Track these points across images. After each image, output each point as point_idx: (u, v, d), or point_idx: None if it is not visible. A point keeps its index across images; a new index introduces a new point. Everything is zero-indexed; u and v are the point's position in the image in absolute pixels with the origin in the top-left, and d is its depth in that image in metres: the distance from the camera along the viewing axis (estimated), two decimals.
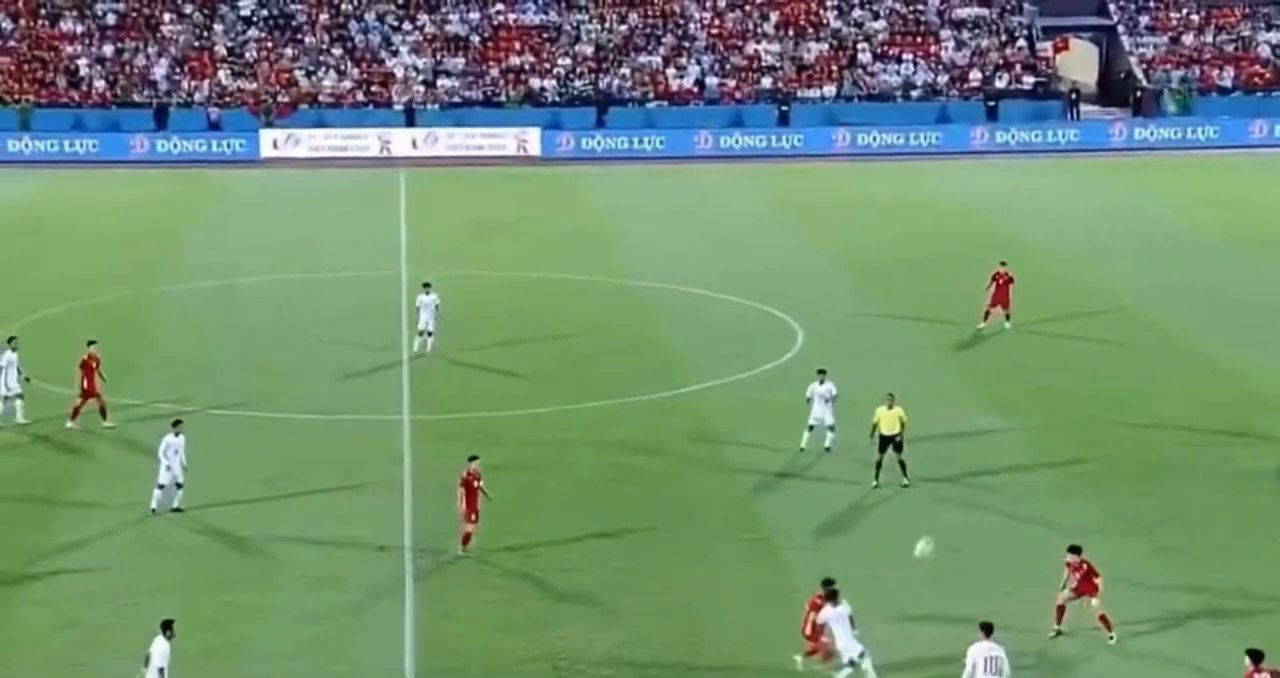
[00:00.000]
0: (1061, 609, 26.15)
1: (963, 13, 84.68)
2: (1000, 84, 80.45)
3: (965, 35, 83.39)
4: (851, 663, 24.46)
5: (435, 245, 56.62)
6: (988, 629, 23.59)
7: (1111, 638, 25.90)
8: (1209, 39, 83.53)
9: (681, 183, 69.70)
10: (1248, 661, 22.47)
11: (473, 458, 30.04)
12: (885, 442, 32.81)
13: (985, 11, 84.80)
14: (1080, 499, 32.07)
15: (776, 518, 31.61)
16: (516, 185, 69.38)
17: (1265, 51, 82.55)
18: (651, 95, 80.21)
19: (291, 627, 26.88)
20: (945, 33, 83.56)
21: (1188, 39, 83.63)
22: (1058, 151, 75.67)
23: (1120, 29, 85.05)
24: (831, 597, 24.79)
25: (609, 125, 78.05)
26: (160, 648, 23.40)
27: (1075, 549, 26.02)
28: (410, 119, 78.38)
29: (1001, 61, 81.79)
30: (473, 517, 29.54)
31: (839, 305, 47.76)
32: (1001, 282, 44.25)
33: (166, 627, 23.62)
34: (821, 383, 35.03)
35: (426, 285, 42.82)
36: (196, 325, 46.16)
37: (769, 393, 39.21)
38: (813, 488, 33.21)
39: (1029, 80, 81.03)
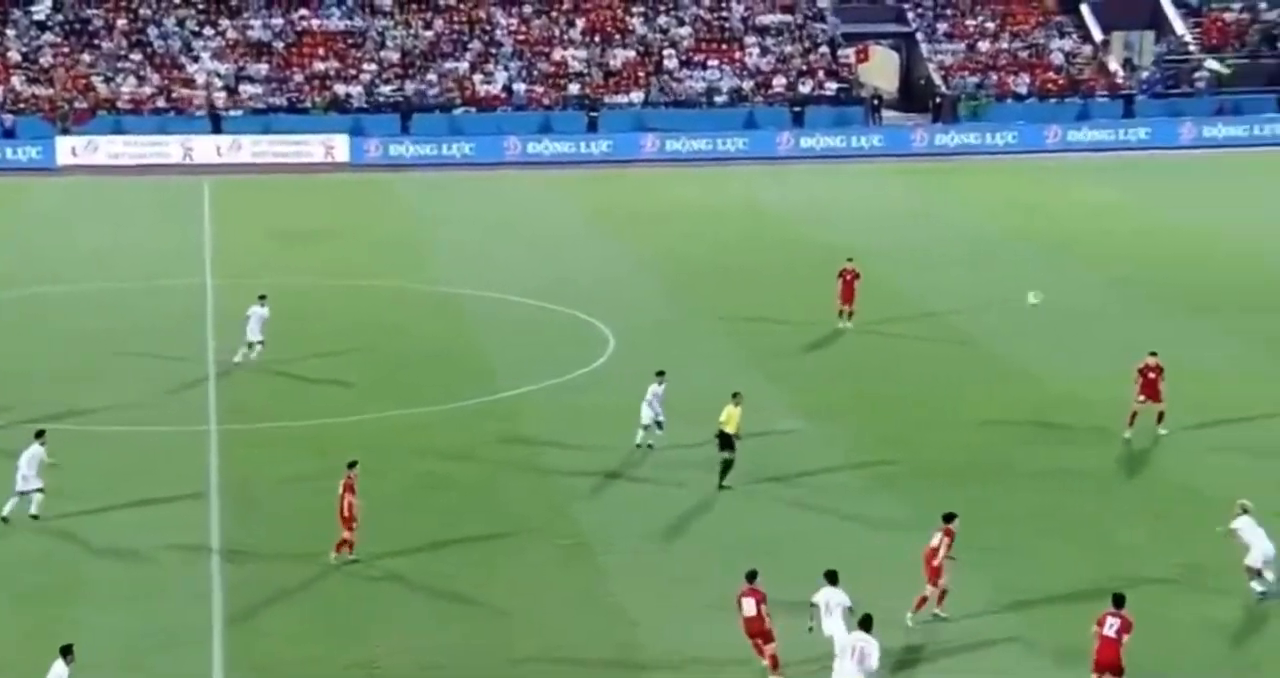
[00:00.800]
0: (923, 601, 26.95)
1: (766, 19, 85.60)
2: (804, 90, 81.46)
3: (769, 42, 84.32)
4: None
5: (242, 254, 55.81)
6: (864, 622, 23.94)
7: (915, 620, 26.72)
8: (1005, 46, 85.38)
9: (491, 189, 69.52)
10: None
11: (352, 464, 29.82)
12: (724, 440, 33.06)
13: (789, 18, 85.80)
14: (892, 499, 32.53)
15: (594, 522, 31.64)
16: (325, 192, 68.68)
17: (1058, 59, 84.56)
18: (459, 101, 79.93)
19: (99, 639, 26.30)
20: (750, 39, 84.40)
21: (984, 46, 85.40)
22: (861, 156, 76.81)
23: (919, 36, 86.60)
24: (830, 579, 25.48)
25: (416, 132, 77.62)
26: (59, 673, 23.05)
27: (948, 517, 26.93)
28: (215, 125, 77.22)
29: (805, 68, 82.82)
30: (350, 524, 29.29)
31: (651, 311, 47.98)
32: (848, 278, 45.03)
33: (66, 652, 23.16)
34: (660, 384, 35.29)
35: (262, 297, 42.22)
36: (0, 338, 45.11)
37: (582, 398, 39.31)
38: (630, 491, 33.30)
39: (832, 86, 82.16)
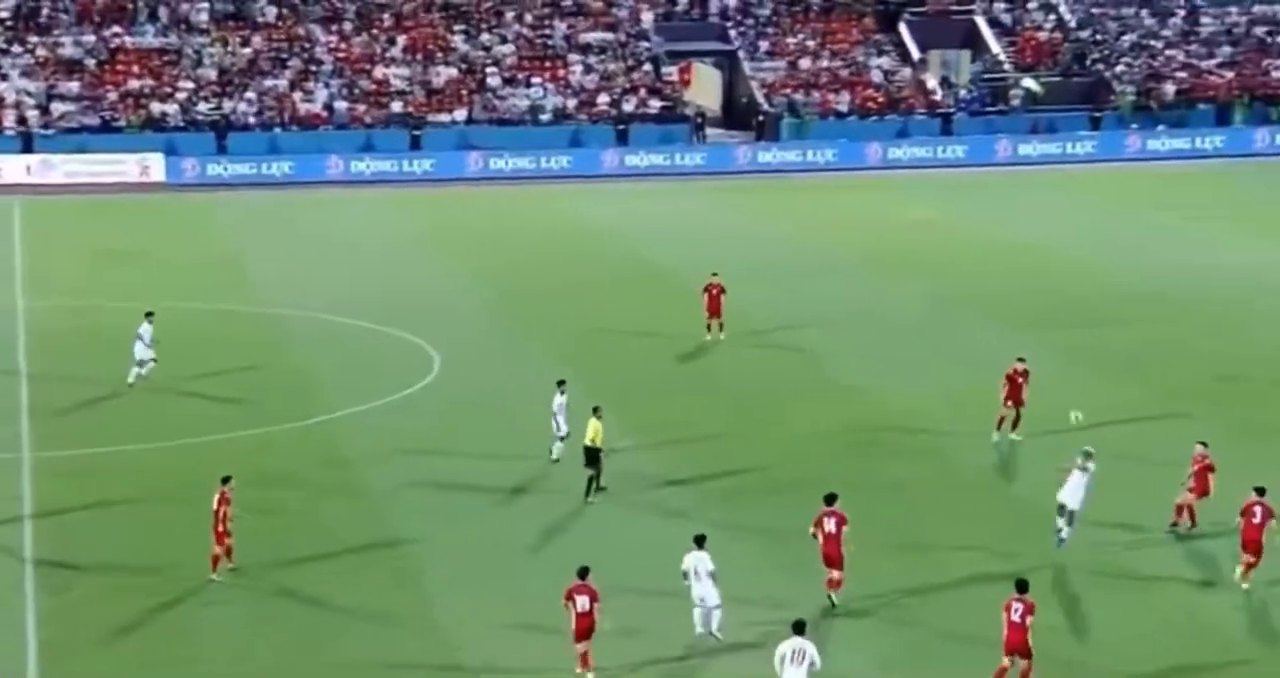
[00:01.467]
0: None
1: (589, 37, 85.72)
2: (629, 108, 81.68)
3: (593, 60, 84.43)
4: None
5: (56, 275, 54.56)
6: (798, 627, 24.29)
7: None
8: (825, 64, 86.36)
9: (313, 209, 68.74)
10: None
11: (225, 480, 29.62)
12: (590, 455, 33.25)
13: (611, 36, 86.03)
14: (718, 511, 32.55)
15: (420, 542, 31.30)
16: (141, 213, 67.43)
17: (877, 76, 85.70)
18: (278, 120, 78.96)
19: None
20: (573, 57, 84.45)
21: (805, 64, 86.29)
22: (686, 174, 77.15)
23: (741, 54, 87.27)
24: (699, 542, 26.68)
25: (234, 151, 76.51)
26: None
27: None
28: (26, 145, 75.42)
29: (629, 86, 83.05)
30: (223, 540, 29.16)
31: (477, 330, 47.70)
32: (714, 292, 45.37)
33: None
34: (561, 394, 35.28)
35: (149, 314, 41.69)
36: None
37: (406, 419, 38.96)
38: (458, 508, 32.98)
39: (656, 104, 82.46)
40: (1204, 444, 31.78)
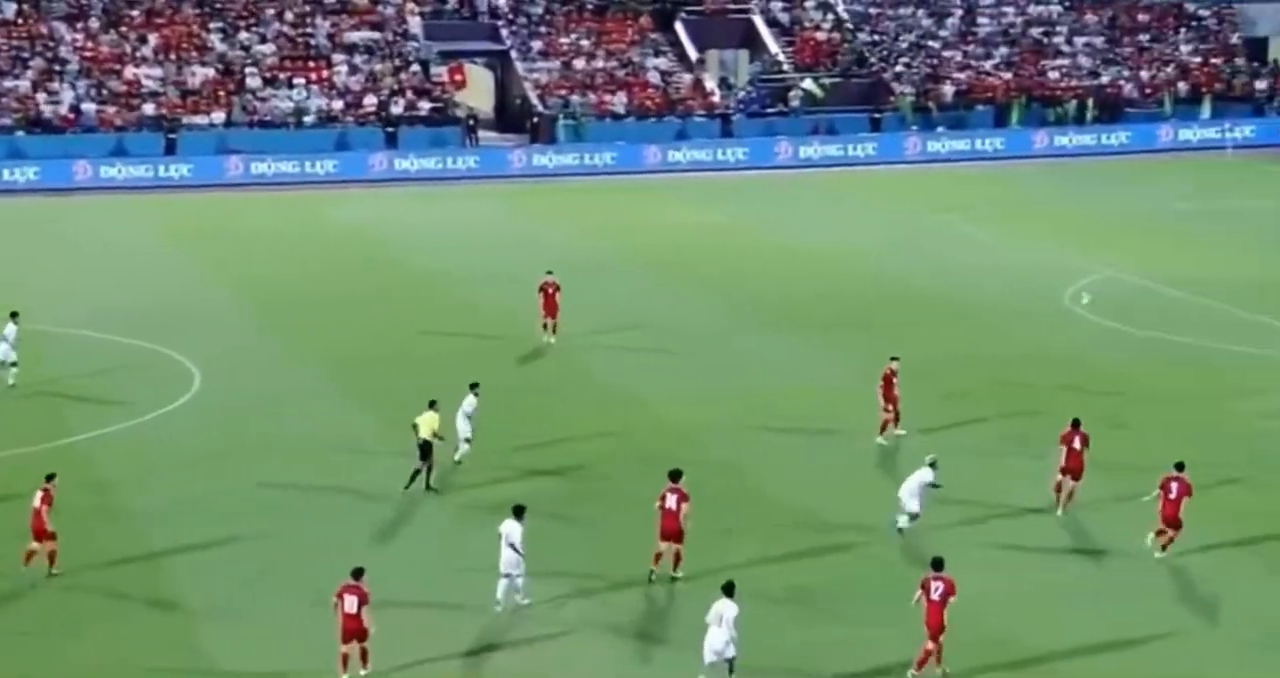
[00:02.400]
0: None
1: (354, 37, 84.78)
2: (397, 110, 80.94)
3: (358, 60, 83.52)
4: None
5: None
6: (727, 589, 25.90)
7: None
8: (601, 64, 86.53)
9: (61, 218, 66.88)
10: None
11: (49, 477, 30.29)
12: (424, 448, 33.94)
13: (377, 35, 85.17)
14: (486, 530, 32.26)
15: (177, 565, 30.50)
16: None
17: (655, 77, 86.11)
18: (22, 123, 76.70)
19: None
20: (338, 57, 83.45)
21: (580, 64, 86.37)
22: (458, 179, 76.66)
23: (514, 54, 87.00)
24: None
25: None
26: None
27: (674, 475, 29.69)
28: None
29: (397, 87, 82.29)
30: (42, 536, 29.66)
31: (239, 342, 46.73)
32: (550, 292, 45.55)
33: None
34: (475, 395, 35.48)
35: (14, 315, 41.84)
36: None
37: (163, 437, 38.02)
38: (215, 531, 32.18)
39: (426, 106, 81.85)
40: (1075, 425, 32.81)
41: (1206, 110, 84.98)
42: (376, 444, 37.32)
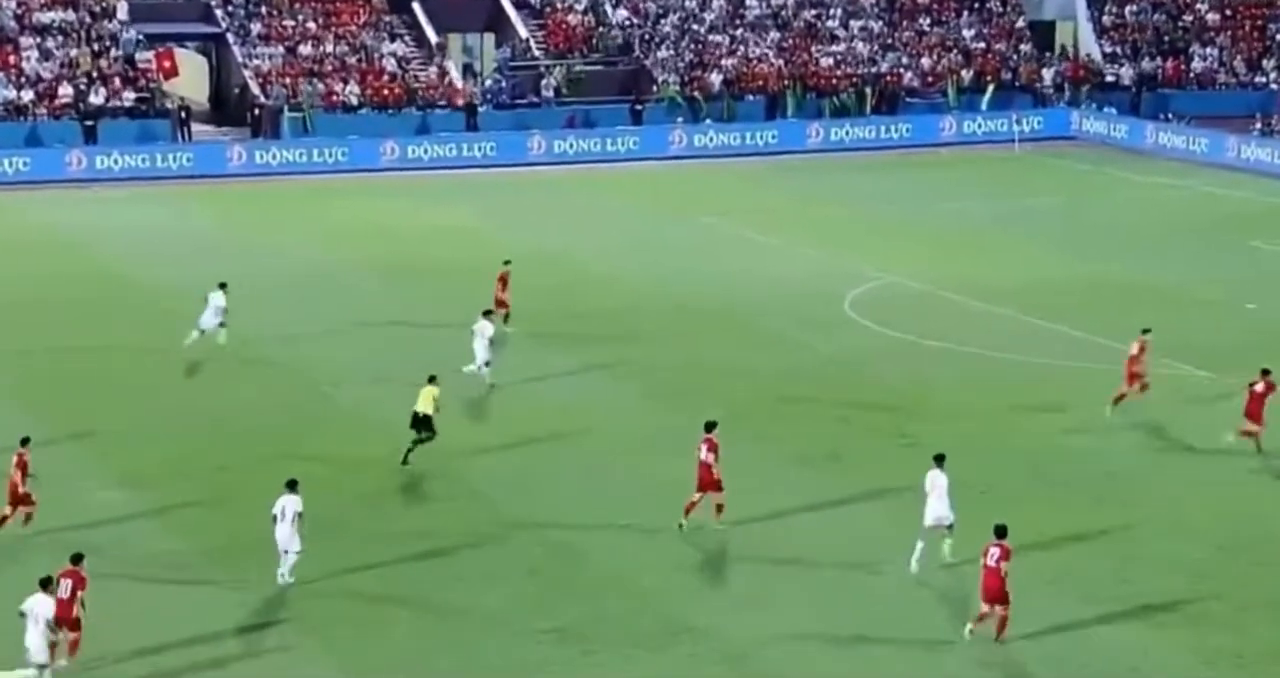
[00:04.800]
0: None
1: (45, 17, 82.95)
2: (97, 101, 79.31)
3: (51, 44, 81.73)
4: None
5: None
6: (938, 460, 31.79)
7: None
8: (330, 50, 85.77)
9: None
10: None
11: (24, 442, 33.81)
12: (424, 421, 37.12)
13: (73, 16, 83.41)
14: (211, 570, 31.81)
15: None
16: None
17: (391, 64, 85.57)
18: None
19: None
20: (26, 41, 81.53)
21: (306, 50, 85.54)
22: (170, 178, 75.29)
23: (230, 38, 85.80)
24: None
25: None
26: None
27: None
28: None
29: (96, 75, 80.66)
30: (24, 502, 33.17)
31: None
32: (507, 280, 48.48)
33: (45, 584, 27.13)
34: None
35: (222, 285, 45.23)
36: None
37: None
38: None
39: (130, 97, 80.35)
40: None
41: (986, 101, 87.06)
42: (88, 482, 36.53)
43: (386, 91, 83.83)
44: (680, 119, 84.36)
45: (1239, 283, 54.81)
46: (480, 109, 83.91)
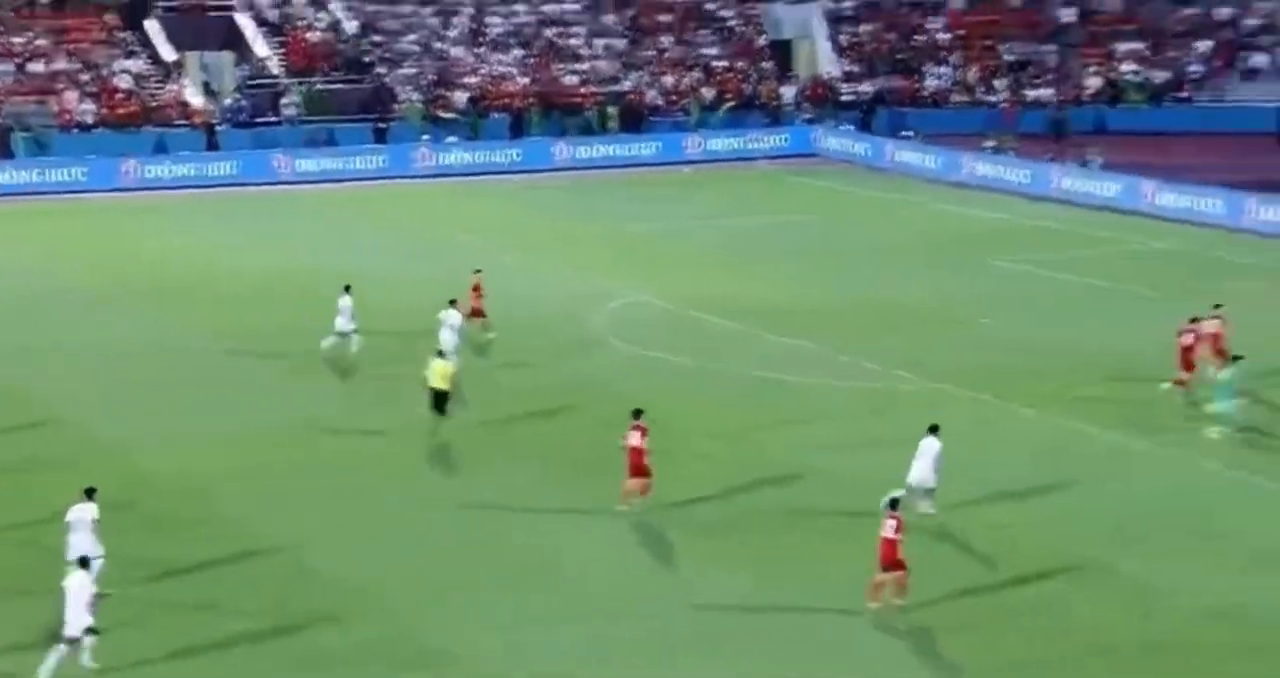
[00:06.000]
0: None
1: None
2: None
3: None
4: None
5: None
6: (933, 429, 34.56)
7: None
8: (63, 67, 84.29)
9: None
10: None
11: None
12: (440, 396, 39.92)
13: None
14: None
15: None
16: None
17: (127, 82, 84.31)
18: None
19: None
20: None
21: (37, 67, 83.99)
22: None
23: None
24: None
25: None
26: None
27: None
28: None
29: None
30: None
31: None
32: (480, 288, 49.97)
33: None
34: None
35: (347, 287, 46.82)
36: None
37: None
38: None
39: None
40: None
41: (719, 118, 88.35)
42: None
43: (122, 110, 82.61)
44: (425, 137, 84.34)
45: (974, 298, 56.28)
46: (220, 128, 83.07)
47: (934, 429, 35.51)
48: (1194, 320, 44.42)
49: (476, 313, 49.64)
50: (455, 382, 41.04)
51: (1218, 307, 46.49)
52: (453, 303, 46.52)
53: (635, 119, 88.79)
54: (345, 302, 47.65)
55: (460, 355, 44.27)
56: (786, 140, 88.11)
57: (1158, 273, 59.94)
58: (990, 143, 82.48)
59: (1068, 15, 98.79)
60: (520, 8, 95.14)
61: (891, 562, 30.52)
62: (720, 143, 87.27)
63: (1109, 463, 39.23)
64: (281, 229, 68.87)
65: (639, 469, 35.59)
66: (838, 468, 39.07)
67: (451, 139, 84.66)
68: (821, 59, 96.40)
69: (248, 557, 34.10)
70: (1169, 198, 70.70)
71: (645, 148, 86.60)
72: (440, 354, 41.68)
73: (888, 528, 30.56)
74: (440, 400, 40.58)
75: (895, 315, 53.77)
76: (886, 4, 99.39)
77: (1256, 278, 57.02)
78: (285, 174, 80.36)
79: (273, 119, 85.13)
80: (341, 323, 47.47)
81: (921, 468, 35.13)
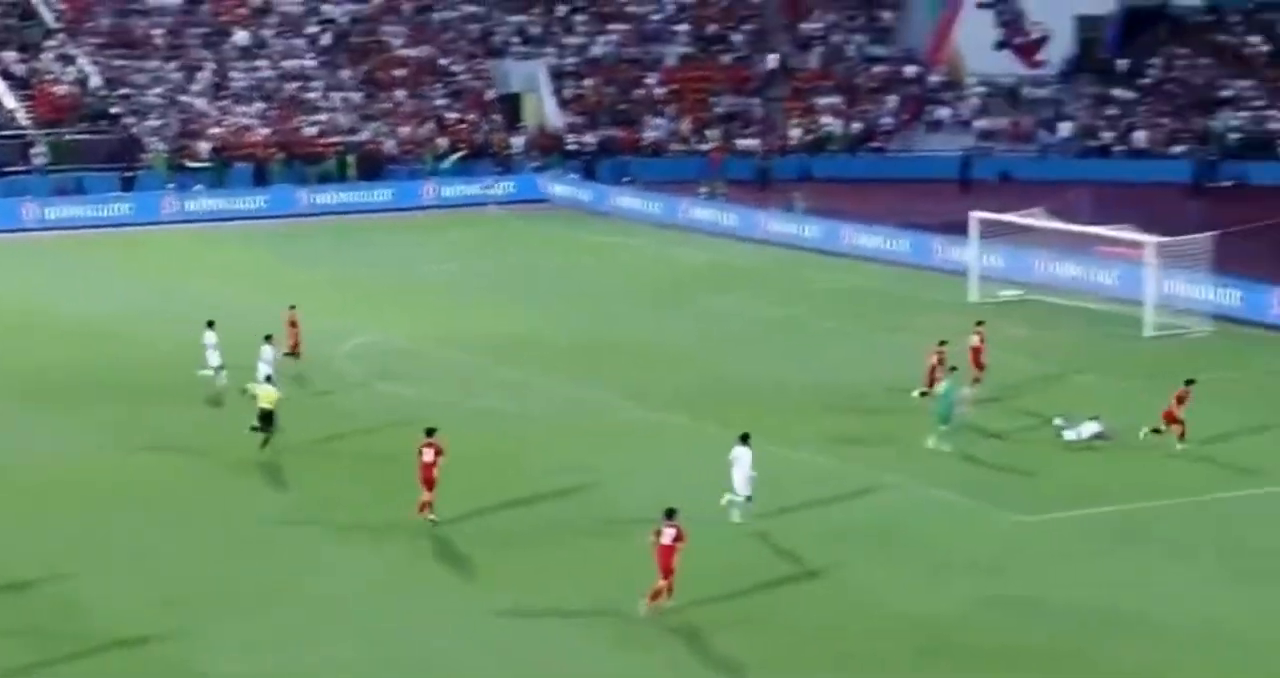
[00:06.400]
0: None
1: None
2: None
3: None
4: None
5: None
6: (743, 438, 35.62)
7: None
8: None
9: None
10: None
11: None
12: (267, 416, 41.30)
13: None
14: None
15: None
16: None
17: None
18: None
19: None
20: None
21: None
22: None
23: None
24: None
25: None
26: None
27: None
28: None
29: None
30: None
31: None
32: (294, 323, 50.52)
33: None
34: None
35: (211, 323, 47.34)
36: None
37: None
38: None
39: None
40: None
41: (449, 164, 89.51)
42: None
43: None
44: (171, 185, 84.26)
45: (691, 334, 58.05)
46: None
47: (744, 438, 37.07)
48: (943, 344, 46.78)
49: (294, 347, 50.65)
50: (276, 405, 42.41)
51: (979, 324, 49.22)
52: (268, 338, 47.56)
53: (374, 167, 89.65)
54: (210, 338, 48.46)
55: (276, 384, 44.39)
56: (516, 187, 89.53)
57: (856, 308, 62.27)
58: (704, 189, 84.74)
59: (772, 68, 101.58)
60: (261, 62, 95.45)
61: (668, 568, 31.64)
62: (454, 190, 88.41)
63: (823, 485, 40.60)
64: (27, 275, 68.37)
65: (429, 483, 36.87)
66: (581, 488, 40.26)
67: (198, 187, 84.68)
68: (548, 111, 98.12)
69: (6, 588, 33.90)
70: (865, 239, 73.34)
71: (383, 194, 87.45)
72: (269, 380, 43.56)
73: (666, 536, 31.61)
74: (267, 419, 42.20)
75: (619, 350, 55.13)
76: (607, 60, 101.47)
77: (944, 312, 59.69)
78: (33, 222, 79.76)
79: (21, 169, 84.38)
80: (212, 358, 48.39)
81: (739, 476, 36.74)
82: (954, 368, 45.15)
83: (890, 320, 59.25)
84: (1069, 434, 43.48)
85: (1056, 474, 41.72)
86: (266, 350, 47.28)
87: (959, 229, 65.33)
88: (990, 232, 63.76)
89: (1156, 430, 42.96)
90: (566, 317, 60.61)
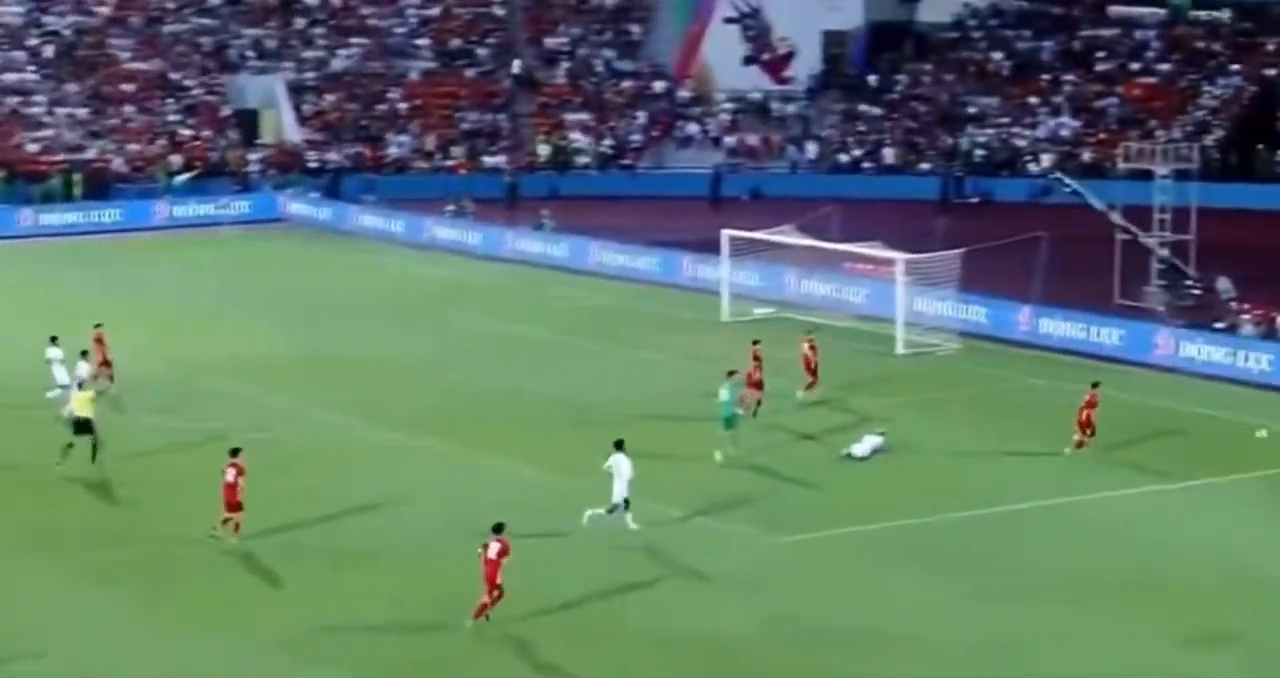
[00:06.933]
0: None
1: None
2: None
3: None
4: None
5: None
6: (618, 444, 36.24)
7: None
8: None
9: None
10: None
11: None
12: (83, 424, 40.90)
13: None
14: None
15: None
16: None
17: None
18: None
19: None
20: None
21: None
22: None
23: None
24: None
25: None
26: None
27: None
28: None
29: None
30: None
31: None
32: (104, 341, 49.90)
33: None
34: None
35: (54, 339, 47.52)
36: None
37: None
38: None
39: None
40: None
41: (182, 182, 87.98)
42: None
43: None
44: None
45: (437, 352, 57.74)
46: None
47: (619, 445, 37.50)
48: (756, 342, 48.19)
49: (105, 364, 50.03)
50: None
51: (810, 332, 51.03)
52: (84, 354, 47.92)
53: (101, 186, 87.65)
54: (55, 352, 48.69)
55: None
56: (252, 206, 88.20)
57: (603, 326, 62.36)
58: (450, 207, 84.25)
59: (517, 75, 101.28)
60: None
61: (493, 582, 32.14)
62: (187, 209, 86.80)
63: (573, 503, 40.42)
64: None
65: (232, 505, 36.92)
66: (346, 510, 39.68)
67: None
68: (286, 127, 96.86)
69: None
70: (612, 257, 73.52)
71: (112, 214, 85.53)
72: (80, 386, 43.72)
73: (491, 551, 32.11)
74: (84, 426, 41.78)
75: (364, 369, 54.67)
76: (348, 74, 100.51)
77: (696, 330, 59.88)
78: None
79: None
80: (60, 375, 48.20)
81: (619, 484, 37.10)
82: (733, 372, 45.21)
83: (638, 338, 59.36)
84: (856, 449, 44.38)
85: (828, 491, 42.06)
86: (82, 366, 47.39)
87: (711, 247, 65.72)
88: (741, 249, 64.21)
89: (1080, 444, 44.49)
90: (306, 336, 59.94)
